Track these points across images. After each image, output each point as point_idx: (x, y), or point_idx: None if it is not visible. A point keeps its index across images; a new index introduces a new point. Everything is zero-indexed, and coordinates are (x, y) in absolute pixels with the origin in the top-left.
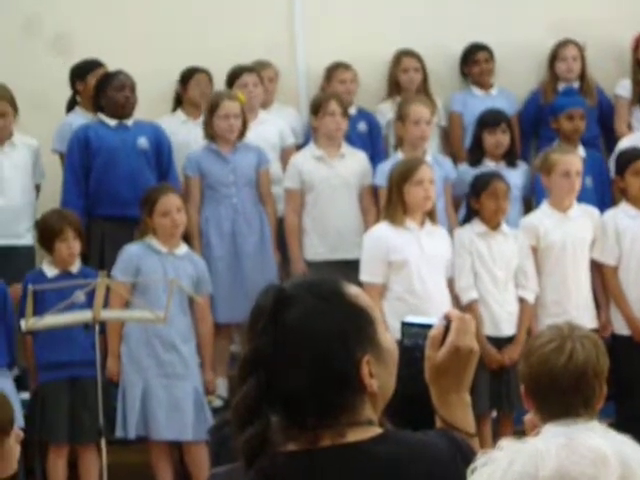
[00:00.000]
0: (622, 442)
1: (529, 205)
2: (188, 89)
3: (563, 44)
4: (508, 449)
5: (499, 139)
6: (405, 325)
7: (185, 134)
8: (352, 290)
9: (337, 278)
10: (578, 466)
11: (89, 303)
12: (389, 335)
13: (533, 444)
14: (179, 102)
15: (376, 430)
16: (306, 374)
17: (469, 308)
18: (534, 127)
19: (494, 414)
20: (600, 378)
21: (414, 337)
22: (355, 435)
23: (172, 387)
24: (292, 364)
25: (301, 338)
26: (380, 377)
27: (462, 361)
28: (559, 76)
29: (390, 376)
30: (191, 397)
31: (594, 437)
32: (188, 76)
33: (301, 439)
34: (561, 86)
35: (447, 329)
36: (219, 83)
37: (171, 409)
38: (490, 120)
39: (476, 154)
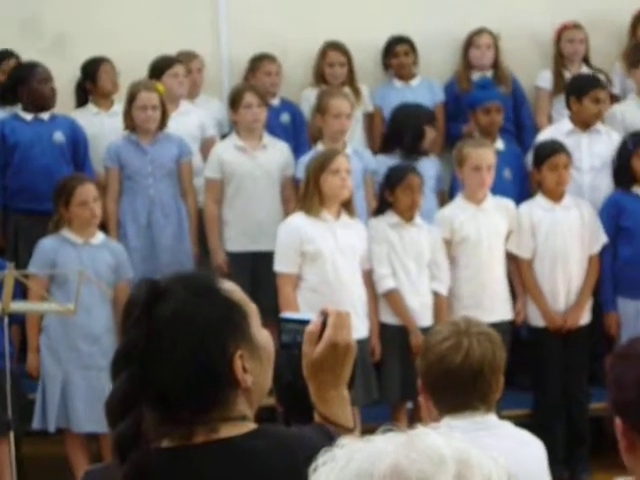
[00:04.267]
0: (465, 440)
1: (450, 196)
2: (98, 80)
3: (477, 32)
4: (348, 447)
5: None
6: (282, 321)
7: (98, 126)
8: (226, 285)
9: (211, 273)
10: (415, 464)
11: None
12: (265, 331)
13: (373, 442)
14: (84, 95)
15: (250, 426)
16: (178, 368)
17: (387, 296)
18: (454, 116)
19: (410, 405)
20: (497, 373)
21: (291, 333)
22: (228, 431)
23: (92, 378)
24: (165, 358)
25: (173, 331)
26: (254, 373)
27: (339, 356)
28: (472, 64)
29: (265, 372)
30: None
31: (434, 436)
32: (95, 67)
33: (175, 435)
34: (475, 75)
35: (324, 325)
36: (142, 73)
37: (91, 401)
38: (405, 113)
39: (392, 147)
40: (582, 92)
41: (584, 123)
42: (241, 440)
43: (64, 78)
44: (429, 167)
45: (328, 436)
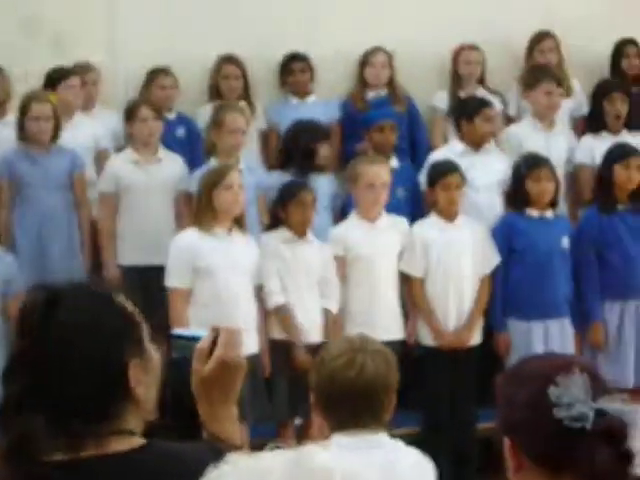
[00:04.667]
0: (355, 458)
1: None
2: None
3: (372, 51)
4: (237, 464)
5: (318, 148)
6: (173, 337)
7: None
8: (119, 297)
9: (104, 284)
10: None
11: None
12: (152, 345)
13: (262, 459)
14: None
15: (139, 440)
16: (72, 377)
17: (277, 312)
18: (349, 134)
19: (298, 421)
20: (389, 392)
21: (182, 349)
22: (119, 445)
23: None
24: (59, 365)
25: (69, 339)
26: (146, 386)
27: (229, 374)
28: (368, 83)
29: (153, 386)
30: None
31: (322, 453)
32: None
33: (65, 447)
34: (370, 94)
35: (215, 342)
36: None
37: None
38: (304, 130)
39: (292, 163)
40: (473, 112)
41: (476, 143)
42: (132, 454)
43: None
44: (324, 184)
45: (217, 452)
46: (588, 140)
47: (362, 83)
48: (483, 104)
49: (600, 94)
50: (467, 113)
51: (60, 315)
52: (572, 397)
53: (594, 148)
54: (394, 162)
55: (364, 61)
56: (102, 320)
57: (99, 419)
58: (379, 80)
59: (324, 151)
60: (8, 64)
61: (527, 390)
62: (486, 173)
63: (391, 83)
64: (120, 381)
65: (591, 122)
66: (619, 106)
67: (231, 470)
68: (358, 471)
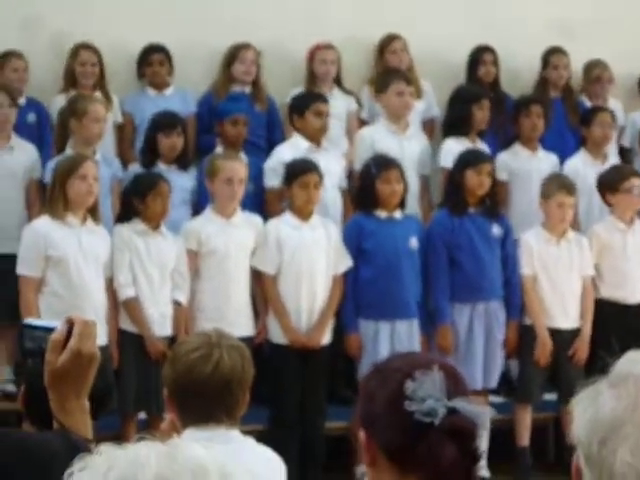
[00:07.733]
0: (231, 454)
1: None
2: None
3: (242, 47)
4: (107, 454)
5: (174, 142)
6: (26, 327)
7: None
8: None
9: None
10: (178, 475)
11: None
12: None
13: (134, 450)
14: None
15: None
16: None
17: (126, 304)
18: (208, 128)
19: (142, 415)
20: (244, 387)
21: (36, 340)
22: None
23: None
24: None
25: None
26: None
27: (83, 366)
28: (235, 78)
29: None
30: None
31: (196, 447)
32: None
33: None
34: (236, 89)
35: (69, 333)
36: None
37: None
38: (165, 123)
39: (149, 156)
40: (304, 107)
41: (309, 137)
42: None
43: None
44: (187, 179)
45: (69, 441)
46: (451, 144)
47: (228, 77)
48: (315, 98)
49: (468, 99)
50: (299, 107)
51: None
52: (426, 392)
53: (456, 153)
54: (243, 157)
55: (233, 55)
56: None
57: None
58: (247, 76)
59: (167, 142)
60: None
61: (389, 385)
62: (328, 172)
63: (256, 82)
64: None
65: (454, 126)
66: (487, 112)
67: (102, 460)
68: (231, 465)
